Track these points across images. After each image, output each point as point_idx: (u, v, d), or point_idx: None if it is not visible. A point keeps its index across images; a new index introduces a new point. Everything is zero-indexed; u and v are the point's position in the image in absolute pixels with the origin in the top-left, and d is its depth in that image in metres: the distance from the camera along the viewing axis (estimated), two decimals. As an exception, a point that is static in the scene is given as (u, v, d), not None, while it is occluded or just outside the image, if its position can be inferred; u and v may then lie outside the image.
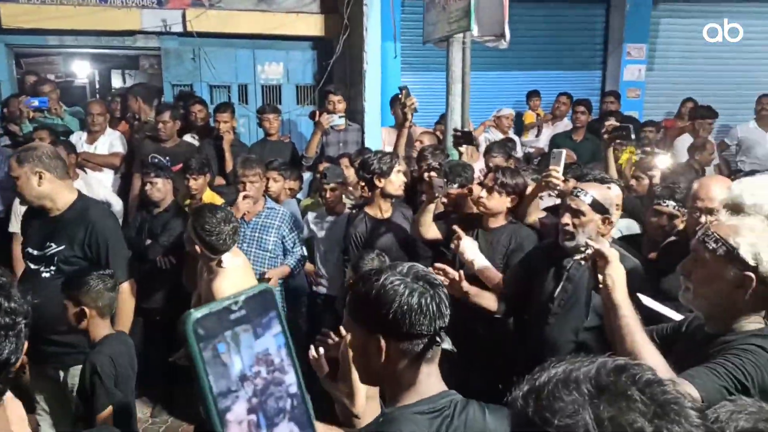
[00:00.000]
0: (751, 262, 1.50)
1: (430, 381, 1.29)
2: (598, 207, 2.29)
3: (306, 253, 3.94)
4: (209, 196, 4.04)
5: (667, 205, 2.68)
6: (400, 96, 4.13)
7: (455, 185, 3.26)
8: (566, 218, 2.30)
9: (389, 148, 4.42)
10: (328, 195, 3.84)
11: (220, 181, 4.73)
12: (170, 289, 3.75)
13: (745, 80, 7.12)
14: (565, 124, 6.21)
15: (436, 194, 2.96)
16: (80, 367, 2.60)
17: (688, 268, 1.64)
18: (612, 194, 2.36)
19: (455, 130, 3.73)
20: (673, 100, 6.71)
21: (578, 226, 2.28)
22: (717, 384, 1.44)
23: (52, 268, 2.66)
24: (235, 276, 2.68)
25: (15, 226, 4.25)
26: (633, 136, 3.56)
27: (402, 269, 1.28)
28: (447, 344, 1.27)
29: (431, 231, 3.10)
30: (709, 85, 7.02)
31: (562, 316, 2.38)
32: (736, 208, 1.95)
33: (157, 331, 3.78)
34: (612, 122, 3.69)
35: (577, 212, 2.28)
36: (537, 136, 6.42)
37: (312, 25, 6.52)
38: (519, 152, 5.58)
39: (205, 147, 4.89)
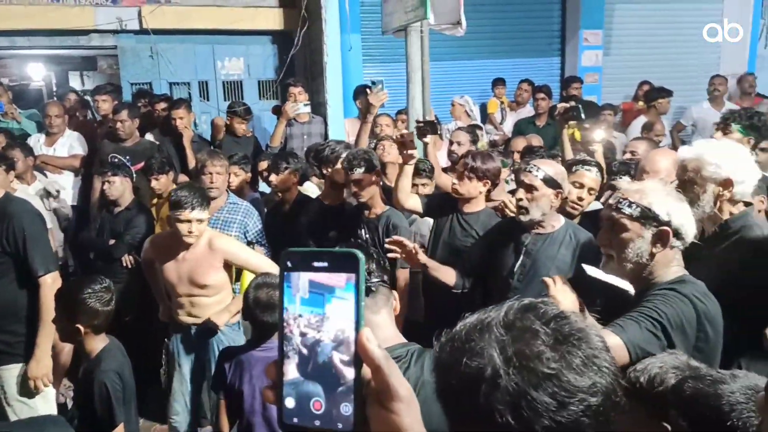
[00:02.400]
0: (665, 218, 1.63)
1: (383, 334, 1.41)
2: (550, 182, 2.37)
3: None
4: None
5: (623, 181, 2.76)
6: (369, 89, 4.10)
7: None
8: (520, 193, 2.38)
9: (353, 139, 4.42)
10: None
11: (183, 178, 4.67)
12: (138, 288, 3.69)
13: (699, 62, 7.34)
14: (528, 110, 6.30)
15: (410, 152, 2.81)
16: (15, 366, 2.64)
17: (607, 238, 1.73)
18: (561, 169, 2.46)
19: (418, 121, 3.73)
20: (630, 83, 6.87)
21: (531, 201, 2.36)
22: (640, 328, 1.56)
23: None
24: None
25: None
26: (583, 116, 3.67)
27: None
28: None
29: (411, 200, 2.94)
30: (664, 68, 7.20)
31: (521, 291, 2.42)
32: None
33: (128, 331, 3.72)
34: (563, 104, 3.79)
35: (531, 187, 2.37)
36: (501, 123, 6.50)
37: (270, 18, 6.48)
38: (484, 139, 5.64)
39: (166, 145, 4.82)
